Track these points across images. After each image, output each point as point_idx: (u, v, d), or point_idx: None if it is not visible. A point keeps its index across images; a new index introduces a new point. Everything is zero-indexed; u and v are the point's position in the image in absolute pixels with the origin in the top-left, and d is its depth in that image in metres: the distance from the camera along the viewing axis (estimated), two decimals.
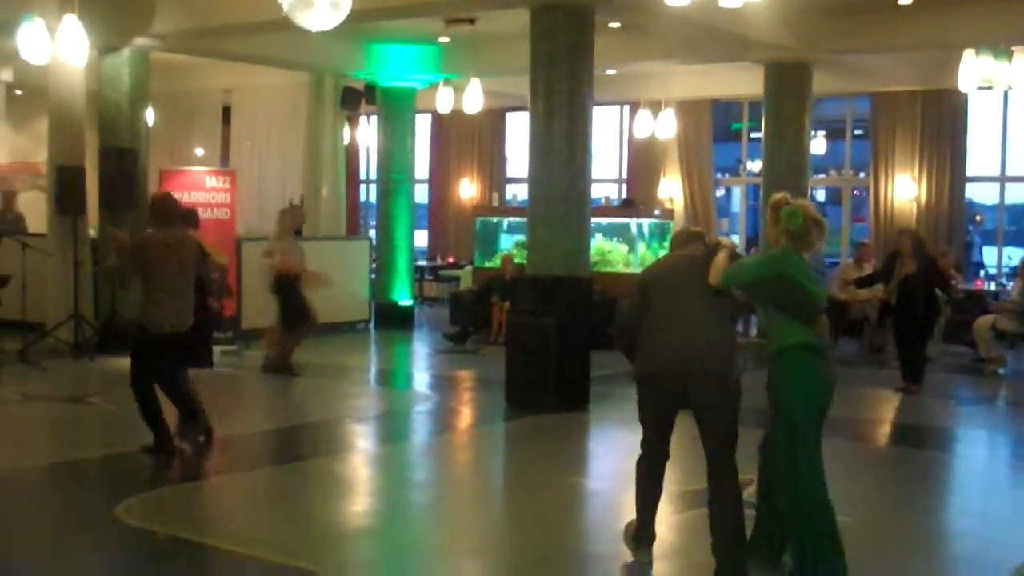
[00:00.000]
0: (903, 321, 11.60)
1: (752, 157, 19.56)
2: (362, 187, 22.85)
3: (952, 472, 8.96)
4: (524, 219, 11.45)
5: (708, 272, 5.63)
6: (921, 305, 11.46)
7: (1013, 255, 20.15)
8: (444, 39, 15.15)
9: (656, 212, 17.05)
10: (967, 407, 11.52)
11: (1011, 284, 15.58)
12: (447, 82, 15.65)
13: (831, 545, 5.47)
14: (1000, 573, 5.78)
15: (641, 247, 15.70)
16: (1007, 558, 6.05)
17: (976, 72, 12.31)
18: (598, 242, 15.18)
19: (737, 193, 21.55)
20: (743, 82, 16.14)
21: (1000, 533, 6.86)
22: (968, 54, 12.28)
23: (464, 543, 6.58)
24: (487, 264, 16.71)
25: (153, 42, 13.69)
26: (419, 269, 19.43)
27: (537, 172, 10.61)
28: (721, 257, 5.64)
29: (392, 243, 16.70)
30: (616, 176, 20.37)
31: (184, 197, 13.45)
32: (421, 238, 20.50)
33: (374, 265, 16.75)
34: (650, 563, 5.81)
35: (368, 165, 22.48)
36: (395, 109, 16.71)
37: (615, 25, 13.40)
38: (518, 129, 20.73)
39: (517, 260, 14.91)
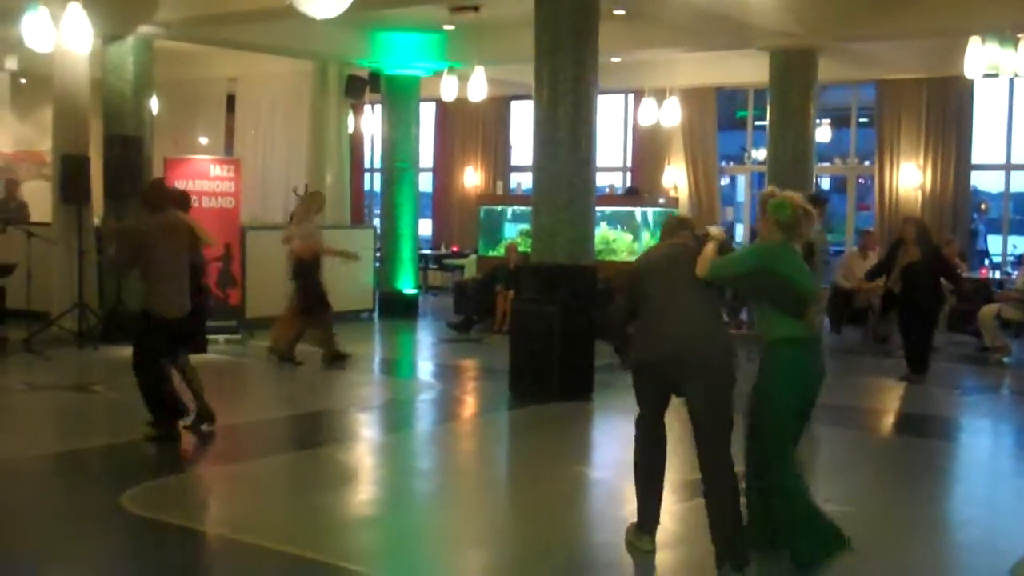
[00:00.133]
0: (907, 310, 11.56)
1: (757, 145, 19.52)
2: (366, 176, 22.83)
3: (956, 461, 8.95)
4: (528, 208, 11.43)
5: (695, 263, 5.63)
6: (925, 294, 11.43)
7: (1018, 243, 20.19)
8: (448, 27, 15.12)
9: (660, 201, 17.04)
10: (971, 396, 11.50)
11: (1016, 273, 15.57)
12: (451, 70, 15.62)
13: (808, 525, 5.53)
14: (1005, 561, 5.78)
15: (645, 236, 15.69)
16: (1011, 547, 6.05)
17: (982, 59, 12.27)
18: (602, 231, 15.19)
19: (742, 181, 21.52)
20: (748, 70, 16.09)
21: (1005, 522, 6.87)
22: (974, 41, 12.24)
23: (468, 532, 6.59)
24: (491, 253, 16.71)
25: (157, 30, 13.68)
26: (423, 258, 19.40)
27: (541, 160, 10.59)
28: (709, 249, 5.64)
29: (396, 232, 16.69)
30: (620, 164, 20.34)
31: (188, 186, 13.40)
32: (425, 227, 20.51)
33: (378, 254, 16.74)
34: (653, 552, 5.80)
35: (372, 153, 22.45)
36: (399, 97, 16.68)
37: (620, 12, 13.35)
38: (522, 117, 20.67)
39: (521, 249, 14.90)
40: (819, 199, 11.13)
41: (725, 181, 19.65)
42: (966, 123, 17.03)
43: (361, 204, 22.26)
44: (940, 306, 12.35)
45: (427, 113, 20.13)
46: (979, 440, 9.76)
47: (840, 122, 20.22)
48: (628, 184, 19.65)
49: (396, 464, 8.43)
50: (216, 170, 13.77)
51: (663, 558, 5.82)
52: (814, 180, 14.85)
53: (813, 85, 14.28)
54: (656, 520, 5.84)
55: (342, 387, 11.25)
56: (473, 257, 18.00)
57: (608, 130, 19.43)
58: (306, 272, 11.83)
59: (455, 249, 20.81)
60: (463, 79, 15.34)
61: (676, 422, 5.84)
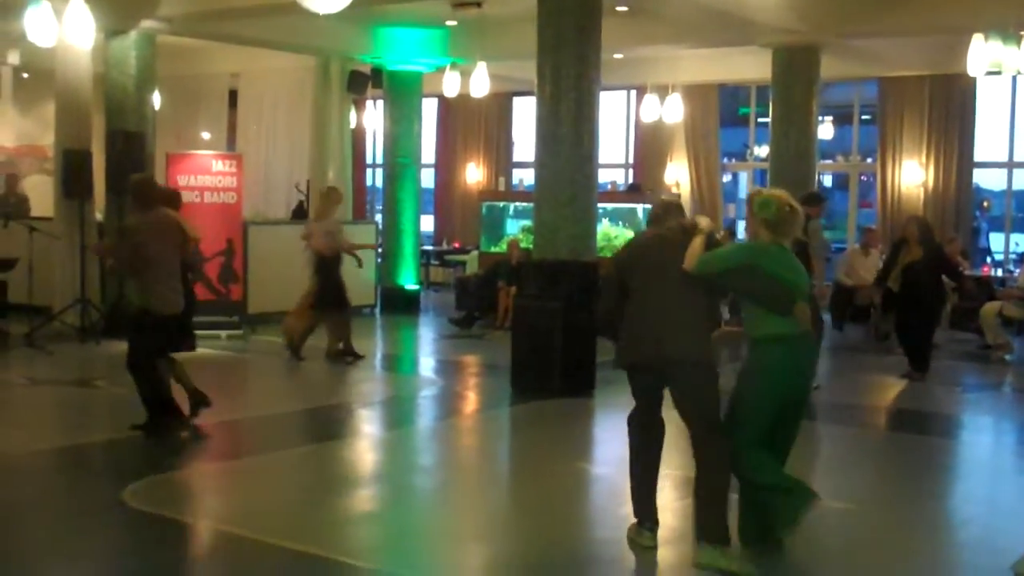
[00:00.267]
0: (908, 308, 11.55)
1: (759, 142, 19.51)
2: (368, 171, 22.83)
3: (958, 459, 8.94)
4: (530, 204, 11.43)
5: (682, 257, 5.62)
6: (926, 292, 11.42)
7: (1020, 241, 20.18)
8: (451, 22, 15.11)
9: (662, 197, 17.00)
10: (973, 394, 11.49)
11: (1018, 270, 15.56)
12: (454, 66, 15.60)
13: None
14: (1006, 560, 5.77)
15: None
16: (1012, 545, 6.04)
17: (985, 57, 12.24)
18: (604, 227, 15.16)
19: (744, 178, 21.52)
20: (750, 66, 16.08)
21: (1006, 520, 6.86)
22: (977, 38, 12.21)
23: (469, 528, 6.59)
24: (493, 249, 16.69)
25: (160, 25, 13.67)
26: (425, 254, 19.40)
27: (543, 156, 10.58)
28: (697, 243, 5.64)
29: (398, 228, 16.69)
30: (623, 161, 20.34)
31: (190, 181, 13.46)
32: (427, 223, 20.49)
33: (380, 250, 16.74)
34: (654, 548, 5.80)
35: (374, 149, 22.45)
36: (401, 93, 16.67)
37: (622, 9, 13.35)
38: (525, 113, 20.66)
39: (523, 245, 14.88)
40: (818, 197, 11.13)
41: (727, 178, 19.66)
42: (969, 120, 17.02)
43: (363, 200, 22.26)
44: (942, 305, 12.35)
45: (429, 109, 20.12)
46: (981, 438, 9.76)
47: (842, 119, 20.21)
48: (630, 180, 19.64)
49: (398, 460, 8.44)
50: (218, 165, 13.77)
51: (664, 555, 5.81)
52: (816, 177, 14.85)
53: (816, 82, 14.27)
54: (654, 514, 5.83)
55: (344, 383, 11.24)
56: (475, 253, 17.98)
57: (610, 126, 19.45)
58: (326, 269, 11.81)
59: (457, 245, 20.80)
60: (465, 75, 15.33)
61: (676, 418, 5.83)
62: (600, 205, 11.87)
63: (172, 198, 9.22)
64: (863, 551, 5.70)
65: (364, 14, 14.27)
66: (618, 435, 5.99)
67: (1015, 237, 18.90)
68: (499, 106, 20.93)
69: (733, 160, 21.16)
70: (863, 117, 19.10)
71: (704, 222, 5.79)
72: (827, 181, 21.11)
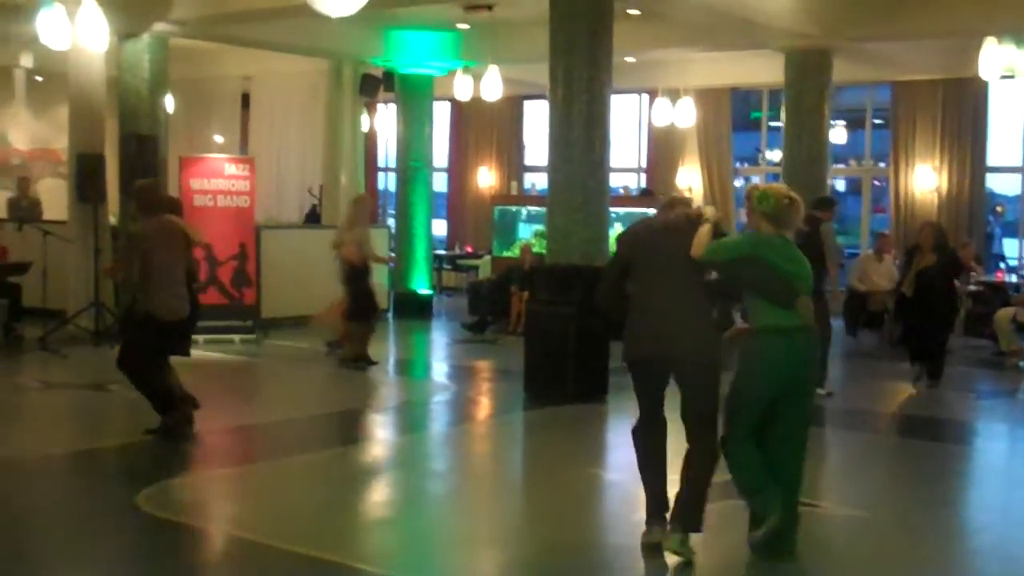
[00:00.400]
0: (921, 315, 11.48)
1: (771, 146, 19.46)
2: (380, 175, 22.83)
3: (971, 466, 8.92)
4: (543, 208, 11.43)
5: (688, 246, 5.64)
6: (938, 298, 11.36)
7: None
8: (463, 26, 15.12)
9: (672, 195, 16.97)
10: (987, 400, 11.46)
11: None
12: (466, 69, 15.62)
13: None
14: (1019, 568, 5.77)
15: None
16: None
17: (998, 60, 12.23)
18: (616, 232, 15.14)
19: (756, 183, 21.45)
20: (763, 70, 16.06)
21: (1020, 528, 6.85)
22: (990, 42, 12.20)
23: (482, 533, 6.59)
24: (505, 253, 16.71)
25: (173, 28, 13.71)
26: (437, 258, 19.39)
27: (556, 162, 10.58)
28: (705, 231, 5.67)
29: (411, 232, 16.69)
30: (635, 165, 20.31)
31: (203, 184, 13.48)
32: (440, 227, 20.48)
33: (392, 254, 16.74)
34: (660, 544, 5.75)
35: (387, 153, 22.46)
36: (413, 96, 16.68)
37: (634, 12, 13.34)
38: (537, 117, 20.63)
39: (536, 249, 14.89)
40: (829, 201, 11.13)
41: (740, 182, 19.58)
42: (982, 125, 16.95)
43: (375, 204, 22.26)
44: (955, 311, 12.29)
45: (441, 112, 20.12)
46: (994, 445, 9.71)
47: (855, 123, 20.14)
48: (642, 185, 19.62)
49: (411, 465, 8.43)
50: (231, 169, 13.78)
51: (677, 561, 5.79)
52: (829, 182, 14.81)
53: (828, 86, 14.25)
54: (664, 510, 5.81)
55: (357, 388, 11.24)
56: (487, 258, 17.99)
57: (622, 131, 19.41)
58: (357, 277, 11.78)
59: (469, 249, 20.78)
60: (477, 78, 15.34)
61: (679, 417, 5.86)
62: (612, 210, 11.87)
63: (174, 205, 9.21)
64: (876, 558, 5.68)
65: (376, 17, 14.28)
66: (631, 441, 5.98)
67: None
68: (511, 110, 20.91)
69: (745, 164, 21.10)
70: (876, 121, 19.05)
71: (710, 211, 5.84)
72: (840, 186, 21.00)
